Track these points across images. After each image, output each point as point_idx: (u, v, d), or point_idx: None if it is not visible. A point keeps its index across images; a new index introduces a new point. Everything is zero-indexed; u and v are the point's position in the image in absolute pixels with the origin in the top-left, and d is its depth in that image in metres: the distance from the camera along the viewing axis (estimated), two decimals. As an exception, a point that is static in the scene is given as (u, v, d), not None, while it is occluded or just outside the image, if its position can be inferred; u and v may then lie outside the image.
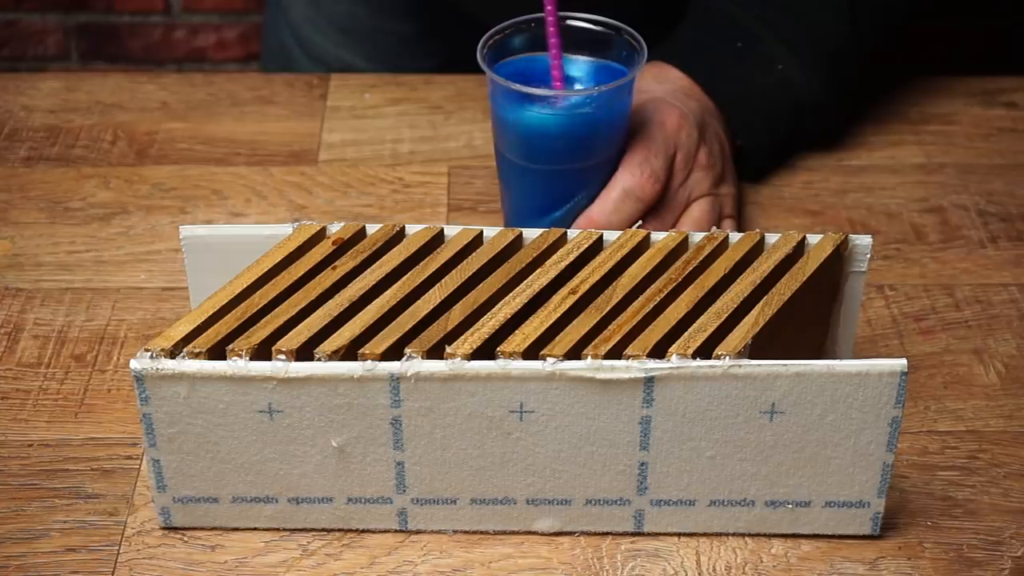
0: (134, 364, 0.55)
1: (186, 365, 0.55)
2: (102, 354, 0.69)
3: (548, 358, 0.55)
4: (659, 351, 0.56)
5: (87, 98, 0.92)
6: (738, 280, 0.60)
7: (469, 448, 0.56)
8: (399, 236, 0.63)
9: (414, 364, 0.54)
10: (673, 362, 0.55)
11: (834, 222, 0.80)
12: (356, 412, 0.55)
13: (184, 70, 1.63)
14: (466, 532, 0.59)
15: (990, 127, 0.90)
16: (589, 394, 0.55)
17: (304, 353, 0.55)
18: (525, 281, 0.60)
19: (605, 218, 0.71)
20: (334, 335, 0.56)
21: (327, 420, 0.56)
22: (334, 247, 0.62)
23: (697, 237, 0.63)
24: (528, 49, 0.72)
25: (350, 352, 0.55)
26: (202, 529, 0.59)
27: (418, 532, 0.59)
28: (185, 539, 0.59)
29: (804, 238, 0.63)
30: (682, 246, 0.63)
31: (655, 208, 0.73)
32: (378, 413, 0.55)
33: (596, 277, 0.60)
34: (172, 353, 0.55)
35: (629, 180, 0.71)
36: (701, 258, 0.61)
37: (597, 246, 0.62)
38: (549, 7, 0.70)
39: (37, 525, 0.59)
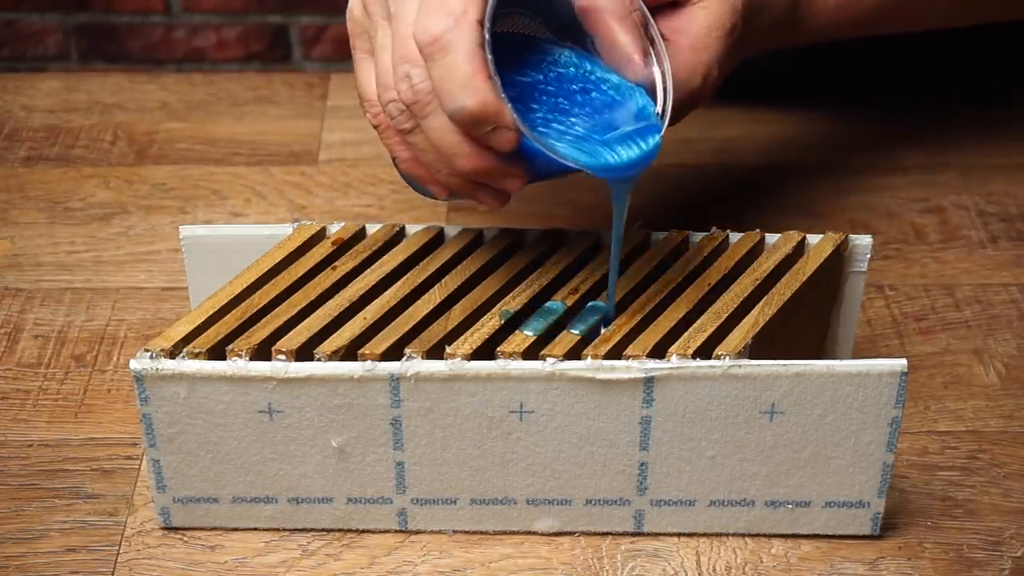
0: (134, 364, 0.55)
1: (186, 365, 0.55)
2: (102, 354, 0.69)
3: (548, 358, 0.55)
4: (659, 351, 0.56)
5: (87, 98, 0.92)
6: (738, 280, 0.60)
7: (469, 448, 0.56)
8: (399, 236, 0.63)
9: (414, 364, 0.54)
10: (673, 362, 0.55)
11: (834, 222, 0.80)
12: (356, 412, 0.55)
13: (184, 70, 1.63)
14: (466, 532, 0.59)
15: (991, 127, 0.90)
16: (589, 394, 0.55)
17: (304, 353, 0.55)
18: (525, 281, 0.60)
19: None
20: (334, 335, 0.56)
21: (327, 420, 0.56)
22: (334, 247, 0.62)
23: (697, 237, 0.63)
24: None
25: (350, 352, 0.55)
26: (202, 529, 0.59)
27: (418, 532, 0.59)
28: (185, 539, 0.59)
29: (804, 238, 0.63)
30: (682, 246, 0.63)
31: None
32: (378, 413, 0.55)
33: (596, 277, 0.60)
34: (172, 353, 0.55)
35: None
36: (701, 258, 0.61)
37: (597, 246, 0.62)
38: None
39: (37, 525, 0.59)
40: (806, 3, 0.71)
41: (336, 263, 0.61)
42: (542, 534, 0.59)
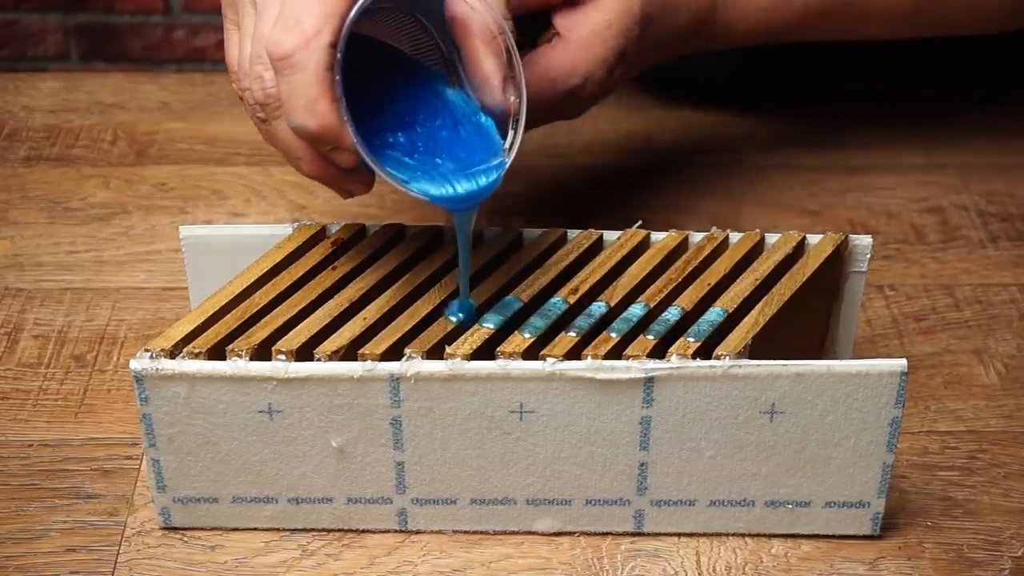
0: (134, 364, 0.55)
1: (186, 365, 0.55)
2: (102, 354, 0.69)
3: (548, 358, 0.55)
4: (659, 351, 0.56)
5: (87, 98, 0.92)
6: (738, 280, 0.60)
7: (469, 448, 0.56)
8: (399, 236, 0.63)
9: (414, 364, 0.54)
10: (673, 362, 0.55)
11: (834, 222, 0.80)
12: (356, 412, 0.55)
13: (184, 70, 1.63)
14: (466, 532, 0.59)
15: (991, 127, 0.90)
16: (589, 394, 0.55)
17: (304, 353, 0.55)
18: (525, 281, 0.60)
19: None
20: (334, 335, 0.56)
21: (327, 420, 0.56)
22: (334, 247, 0.62)
23: (697, 237, 0.63)
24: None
25: (350, 352, 0.55)
26: (202, 529, 0.59)
27: (418, 532, 0.59)
28: (185, 539, 0.59)
29: (804, 238, 0.63)
30: (682, 246, 0.63)
31: None
32: (378, 413, 0.55)
33: (596, 277, 0.60)
34: (172, 353, 0.55)
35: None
36: (701, 258, 0.61)
37: (597, 246, 0.62)
38: None
39: (37, 525, 0.59)
40: (727, 8, 0.70)
41: (336, 263, 0.61)
42: (542, 534, 0.59)
